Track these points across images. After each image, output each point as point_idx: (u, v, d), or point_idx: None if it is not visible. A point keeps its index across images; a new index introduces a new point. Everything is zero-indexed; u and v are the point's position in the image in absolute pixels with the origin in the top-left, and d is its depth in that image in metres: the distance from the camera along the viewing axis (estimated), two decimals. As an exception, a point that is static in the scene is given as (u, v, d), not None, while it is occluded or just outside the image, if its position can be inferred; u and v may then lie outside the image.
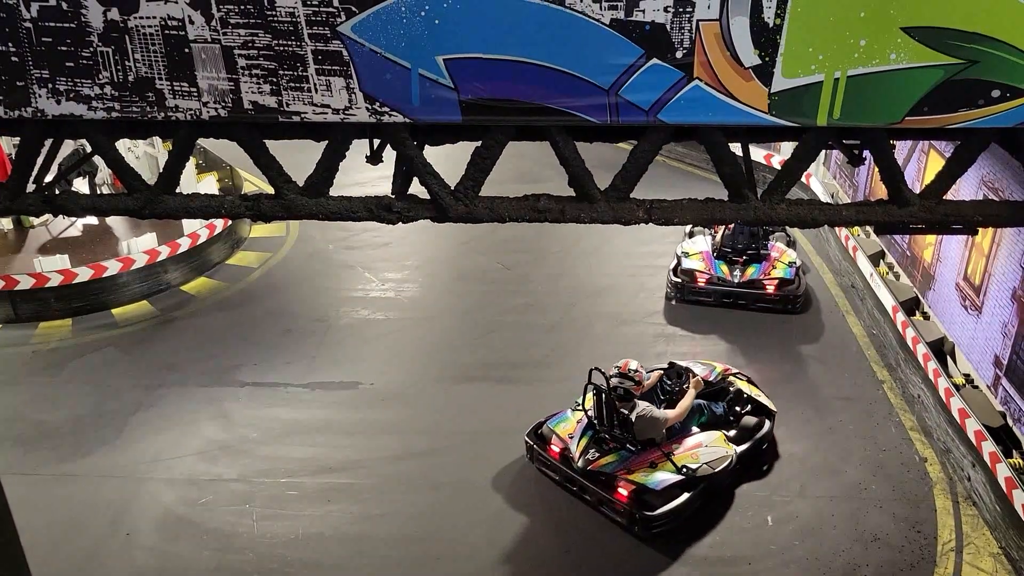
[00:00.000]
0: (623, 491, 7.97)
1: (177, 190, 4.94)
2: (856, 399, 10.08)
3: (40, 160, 4.94)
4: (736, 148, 4.79)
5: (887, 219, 4.64)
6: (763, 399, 9.27)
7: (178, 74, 4.17)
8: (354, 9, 3.93)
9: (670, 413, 8.31)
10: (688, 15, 3.85)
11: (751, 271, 12.22)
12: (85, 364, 11.15)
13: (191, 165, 15.07)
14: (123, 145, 12.88)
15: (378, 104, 4.20)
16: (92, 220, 13.87)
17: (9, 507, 6.17)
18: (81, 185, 13.93)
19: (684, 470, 8.02)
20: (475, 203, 4.71)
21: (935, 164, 10.55)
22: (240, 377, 10.70)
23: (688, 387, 8.73)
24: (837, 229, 13.63)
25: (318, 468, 9.03)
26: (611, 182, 4.67)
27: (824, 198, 13.40)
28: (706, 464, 8.13)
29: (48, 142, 4.83)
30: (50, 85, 4.24)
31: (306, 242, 14.67)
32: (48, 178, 5.34)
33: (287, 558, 7.89)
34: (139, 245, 12.73)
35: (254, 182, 16.07)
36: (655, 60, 3.97)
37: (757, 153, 15.68)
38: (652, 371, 9.03)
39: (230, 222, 13.95)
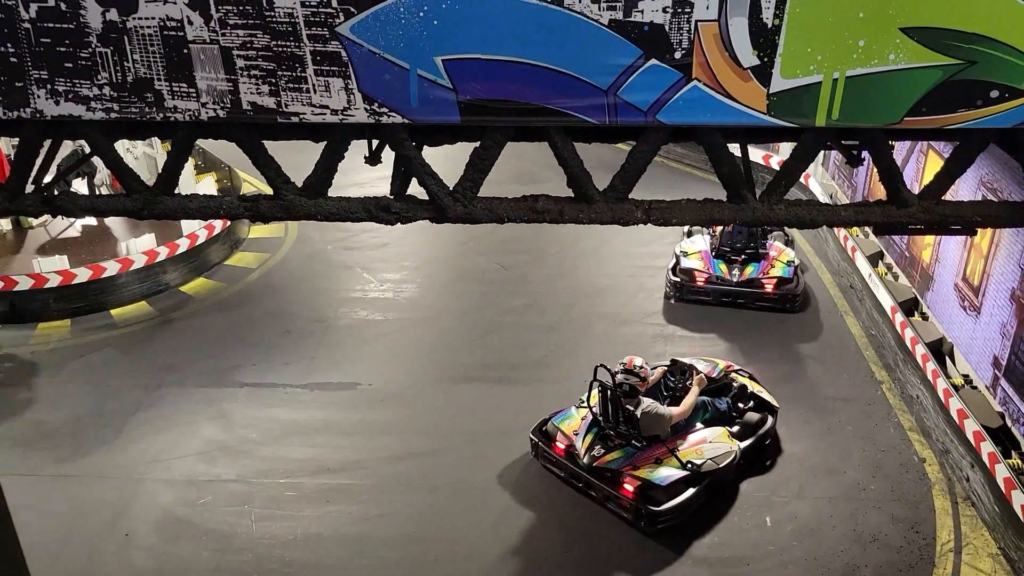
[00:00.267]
0: (629, 487, 8.00)
1: (176, 191, 4.94)
2: (855, 399, 10.08)
3: (39, 161, 4.94)
4: (735, 149, 4.80)
5: (886, 220, 4.64)
6: (765, 395, 9.33)
7: (177, 75, 4.17)
8: (353, 10, 3.93)
9: (675, 410, 8.36)
10: (687, 16, 3.85)
11: (750, 270, 12.22)
12: (84, 365, 11.14)
13: (190, 166, 15.09)
14: (122, 146, 12.90)
15: (377, 105, 4.20)
16: (91, 221, 13.87)
17: (8, 507, 6.17)
18: (80, 186, 13.91)
19: (689, 466, 8.05)
20: (474, 204, 4.71)
21: (934, 165, 10.55)
22: (239, 378, 10.69)
23: (691, 384, 8.77)
24: (836, 229, 13.64)
25: (317, 469, 9.03)
26: (610, 183, 4.68)
27: (823, 199, 13.38)
28: (711, 460, 8.17)
29: (47, 143, 4.83)
30: (49, 86, 4.24)
31: (305, 243, 14.66)
32: (47, 179, 5.34)
33: (286, 559, 7.89)
34: (138, 246, 12.73)
35: (253, 183, 16.08)
36: (654, 61, 3.97)
37: (756, 154, 15.67)
38: (655, 368, 9.07)
39: (229, 223, 13.94)
